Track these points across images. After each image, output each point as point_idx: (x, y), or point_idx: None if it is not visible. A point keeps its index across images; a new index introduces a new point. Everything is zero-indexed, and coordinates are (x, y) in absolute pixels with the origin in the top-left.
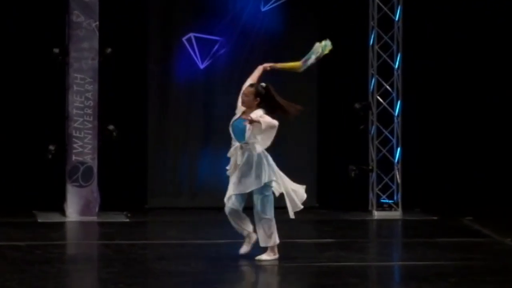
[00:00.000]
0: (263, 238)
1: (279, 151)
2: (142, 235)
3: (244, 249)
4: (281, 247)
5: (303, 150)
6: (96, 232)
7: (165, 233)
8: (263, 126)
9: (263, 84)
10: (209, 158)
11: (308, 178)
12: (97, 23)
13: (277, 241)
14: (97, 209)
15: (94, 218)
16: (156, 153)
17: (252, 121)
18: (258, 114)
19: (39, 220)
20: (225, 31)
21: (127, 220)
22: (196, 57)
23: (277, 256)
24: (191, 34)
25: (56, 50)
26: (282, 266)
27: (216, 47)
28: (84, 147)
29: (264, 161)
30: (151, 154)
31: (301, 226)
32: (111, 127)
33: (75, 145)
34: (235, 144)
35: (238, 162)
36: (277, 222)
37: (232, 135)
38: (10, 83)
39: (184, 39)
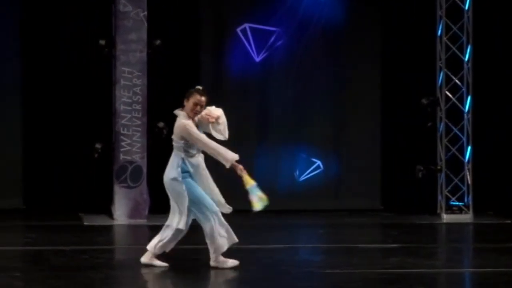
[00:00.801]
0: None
1: (341, 150)
2: (195, 239)
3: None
4: (343, 253)
5: (366, 149)
6: (145, 236)
7: None
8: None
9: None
10: (267, 156)
11: (372, 179)
12: (146, 12)
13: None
14: (146, 212)
15: (143, 221)
16: None
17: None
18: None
19: (85, 223)
20: (282, 21)
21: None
22: (251, 49)
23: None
24: (246, 25)
25: (102, 42)
26: (344, 273)
27: (272, 38)
28: (132, 145)
29: None
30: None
31: (364, 230)
32: (161, 124)
33: (123, 143)
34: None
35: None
36: (339, 226)
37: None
38: (54, 78)
39: (238, 30)
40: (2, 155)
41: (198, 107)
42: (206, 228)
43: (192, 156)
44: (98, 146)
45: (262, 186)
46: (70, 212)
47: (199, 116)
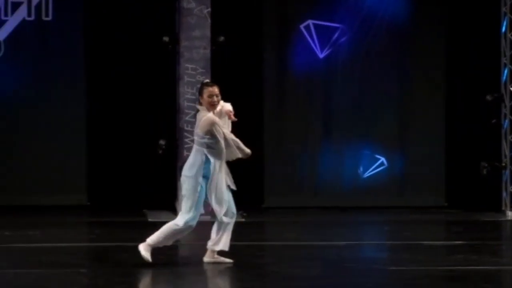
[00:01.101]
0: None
1: (405, 147)
2: (259, 236)
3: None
4: (407, 250)
5: (430, 146)
6: (209, 232)
7: (283, 234)
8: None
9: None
10: (331, 153)
11: (437, 176)
12: (209, 9)
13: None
14: (210, 208)
15: (208, 218)
16: (273, 149)
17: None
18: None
19: (149, 220)
20: (346, 17)
21: (243, 220)
22: (315, 45)
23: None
24: (310, 21)
25: (166, 39)
26: (408, 270)
27: (336, 34)
28: None
29: None
30: (268, 150)
31: (428, 227)
32: None
33: (186, 140)
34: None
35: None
36: (403, 223)
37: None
38: (117, 75)
39: (302, 26)
40: (67, 152)
41: (214, 97)
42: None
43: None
44: (162, 142)
45: (326, 182)
46: (134, 208)
47: (218, 110)
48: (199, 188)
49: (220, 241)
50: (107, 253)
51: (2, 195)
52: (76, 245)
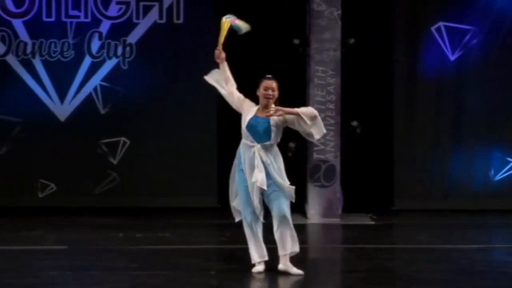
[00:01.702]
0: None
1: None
2: (389, 239)
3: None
4: None
5: None
6: (339, 235)
7: (414, 237)
8: (307, 117)
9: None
10: (461, 156)
11: None
12: (340, 11)
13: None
14: (340, 211)
15: (337, 220)
16: (403, 151)
17: (286, 113)
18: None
19: None
20: (477, 19)
21: (372, 222)
22: (446, 47)
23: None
24: (441, 23)
25: (296, 41)
26: None
27: (467, 37)
28: (326, 144)
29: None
30: (398, 152)
31: None
32: (354, 123)
33: (316, 142)
34: (253, 144)
35: (259, 163)
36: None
37: (250, 136)
38: (246, 77)
39: (433, 28)
40: (197, 154)
41: (270, 91)
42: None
43: (247, 146)
44: (291, 145)
45: (456, 185)
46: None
47: (283, 113)
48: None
49: (280, 245)
50: (237, 255)
51: (131, 197)
52: (206, 247)
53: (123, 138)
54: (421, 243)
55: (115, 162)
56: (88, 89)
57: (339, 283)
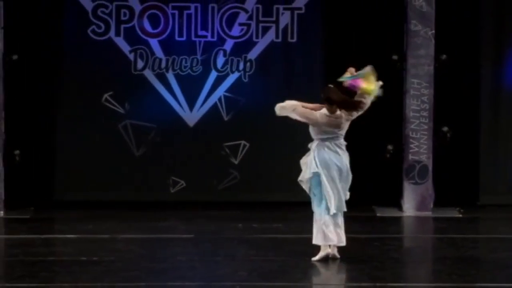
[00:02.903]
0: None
1: None
2: (474, 230)
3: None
4: None
5: None
6: (430, 227)
7: (497, 228)
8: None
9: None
10: None
11: None
12: (433, 31)
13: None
14: (431, 205)
15: (429, 213)
16: (488, 153)
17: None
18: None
19: (377, 215)
20: None
21: (460, 215)
22: None
23: (317, 258)
24: None
25: (395, 57)
26: None
27: None
28: (420, 147)
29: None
30: (483, 154)
31: None
32: (445, 128)
33: (411, 145)
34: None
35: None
36: None
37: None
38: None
39: None
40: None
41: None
42: None
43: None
44: (390, 147)
45: None
46: (365, 204)
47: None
48: None
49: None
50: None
51: (250, 193)
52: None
53: (243, 142)
54: (503, 234)
55: (236, 162)
56: (213, 99)
57: (430, 268)
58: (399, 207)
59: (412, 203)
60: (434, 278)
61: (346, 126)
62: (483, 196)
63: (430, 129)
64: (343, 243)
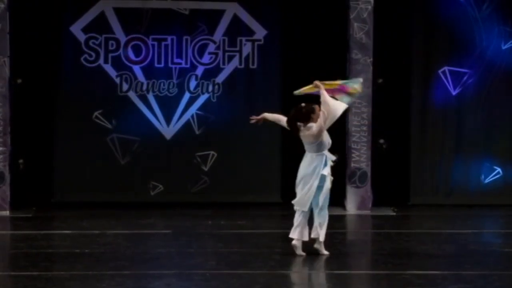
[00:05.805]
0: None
1: None
2: (406, 226)
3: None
4: None
5: None
6: (369, 223)
7: (425, 224)
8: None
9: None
10: (460, 164)
11: None
12: (371, 59)
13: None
14: (370, 205)
15: (368, 212)
16: (418, 161)
17: None
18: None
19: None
20: (473, 64)
21: (394, 214)
22: (449, 85)
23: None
24: (446, 68)
25: None
26: None
27: (465, 77)
28: (360, 156)
29: None
30: (413, 161)
31: None
32: (381, 140)
33: (353, 155)
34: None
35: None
36: None
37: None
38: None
39: (440, 71)
40: (266, 161)
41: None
42: None
43: None
44: (333, 158)
45: (457, 185)
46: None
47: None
48: None
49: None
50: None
51: (218, 194)
52: (271, 231)
53: (212, 152)
54: (431, 229)
55: (206, 169)
56: (187, 116)
57: (369, 258)
58: (343, 207)
59: (354, 203)
60: (373, 266)
61: (313, 137)
62: (414, 197)
63: (369, 141)
64: (305, 238)
